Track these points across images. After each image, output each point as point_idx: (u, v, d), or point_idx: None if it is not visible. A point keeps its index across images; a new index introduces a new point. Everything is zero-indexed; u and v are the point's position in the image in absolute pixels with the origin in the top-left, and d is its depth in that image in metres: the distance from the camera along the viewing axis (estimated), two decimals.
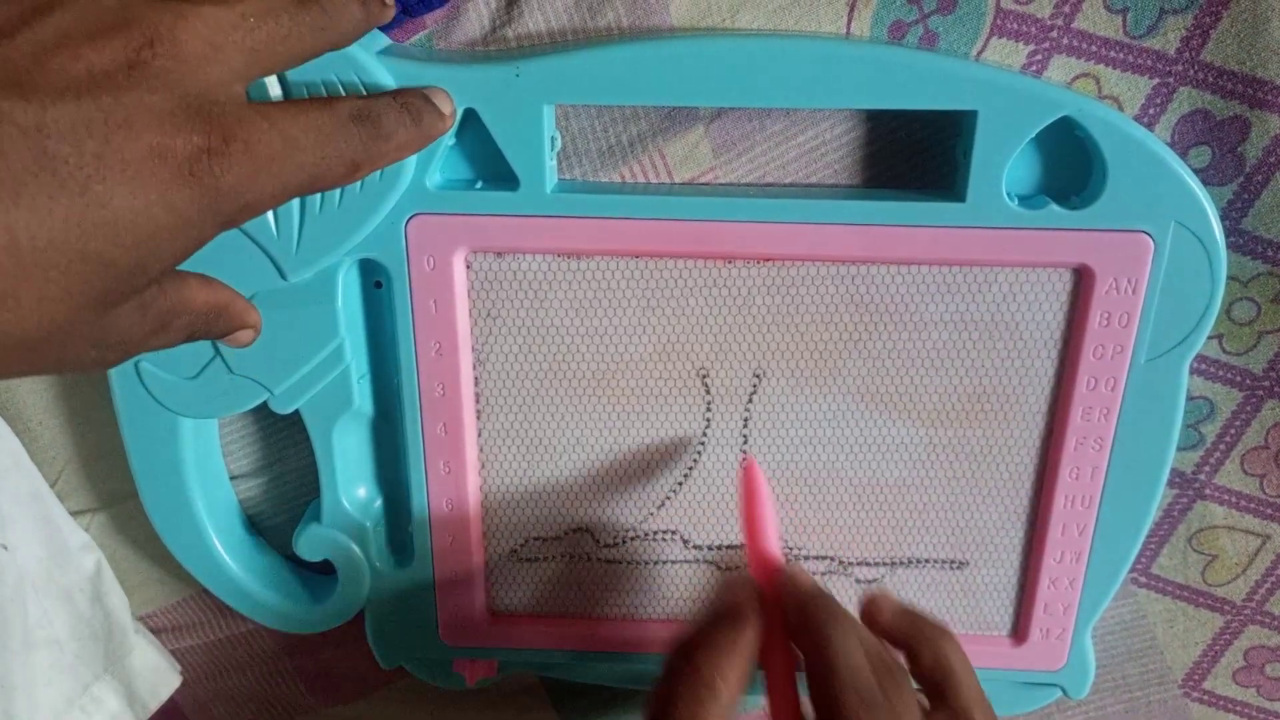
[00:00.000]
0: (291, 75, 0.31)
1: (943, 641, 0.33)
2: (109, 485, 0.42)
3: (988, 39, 0.33)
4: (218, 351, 0.36)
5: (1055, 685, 0.42)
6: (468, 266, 0.36)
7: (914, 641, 0.33)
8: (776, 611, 0.32)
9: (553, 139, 0.34)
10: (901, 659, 0.32)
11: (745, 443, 0.38)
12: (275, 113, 0.26)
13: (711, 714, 0.29)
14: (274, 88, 0.31)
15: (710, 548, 0.40)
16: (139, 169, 0.23)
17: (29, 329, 0.22)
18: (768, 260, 0.35)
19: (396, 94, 0.31)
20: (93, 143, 0.22)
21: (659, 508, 0.40)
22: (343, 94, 0.31)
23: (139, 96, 0.23)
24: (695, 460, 0.39)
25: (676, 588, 0.41)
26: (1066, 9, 0.32)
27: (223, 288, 0.31)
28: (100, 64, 0.23)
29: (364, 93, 0.31)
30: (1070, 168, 0.34)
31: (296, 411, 0.37)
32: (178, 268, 0.26)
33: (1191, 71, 0.33)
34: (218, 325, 0.31)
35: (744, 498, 0.35)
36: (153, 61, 0.23)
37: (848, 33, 0.33)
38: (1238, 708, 0.44)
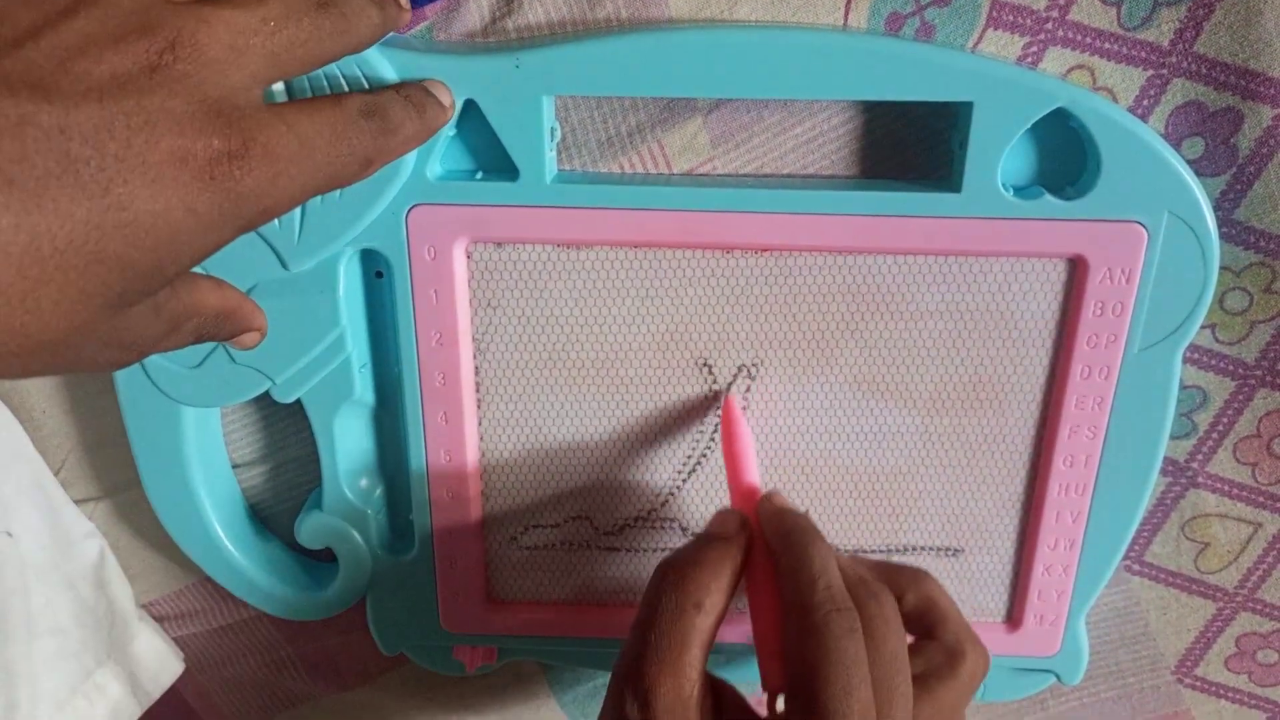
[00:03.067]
0: None
1: (924, 580, 0.34)
2: (112, 474, 0.42)
3: (984, 31, 0.33)
4: None
5: (1049, 671, 0.42)
6: (468, 256, 0.36)
7: (896, 585, 0.34)
8: (759, 535, 0.34)
9: (552, 130, 0.34)
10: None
11: None
12: (291, 114, 0.26)
13: (698, 629, 0.31)
14: (278, 82, 0.31)
15: None
16: (160, 172, 0.23)
17: (47, 330, 0.23)
18: (765, 250, 0.36)
19: (398, 87, 0.31)
20: (114, 145, 0.22)
21: (657, 494, 0.40)
22: (345, 85, 0.31)
23: (160, 100, 0.23)
24: (693, 448, 0.39)
25: None
26: (1062, 1, 0.33)
27: (232, 290, 0.31)
28: (122, 67, 0.23)
29: (365, 84, 0.31)
30: (1065, 159, 0.34)
31: (298, 400, 0.37)
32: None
33: (1185, 63, 0.33)
34: (226, 327, 0.31)
35: (724, 435, 0.37)
36: (174, 65, 0.23)
37: (845, 24, 0.34)
38: (1230, 694, 0.45)
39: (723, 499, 0.40)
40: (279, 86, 0.31)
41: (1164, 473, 0.40)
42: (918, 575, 0.34)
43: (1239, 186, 0.35)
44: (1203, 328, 0.37)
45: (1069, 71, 0.34)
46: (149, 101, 0.23)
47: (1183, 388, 0.38)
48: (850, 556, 0.35)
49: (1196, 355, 0.38)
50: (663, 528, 0.40)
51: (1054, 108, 0.32)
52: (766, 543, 0.33)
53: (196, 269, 0.27)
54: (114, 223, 0.22)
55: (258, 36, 0.25)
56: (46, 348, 0.23)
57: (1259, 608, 0.42)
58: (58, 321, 0.23)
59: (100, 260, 0.22)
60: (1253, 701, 0.45)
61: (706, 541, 0.33)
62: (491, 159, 0.35)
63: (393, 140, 0.29)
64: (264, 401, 0.39)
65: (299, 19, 0.26)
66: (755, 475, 0.36)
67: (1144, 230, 0.34)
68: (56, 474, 0.42)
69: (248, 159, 0.24)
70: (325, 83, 0.31)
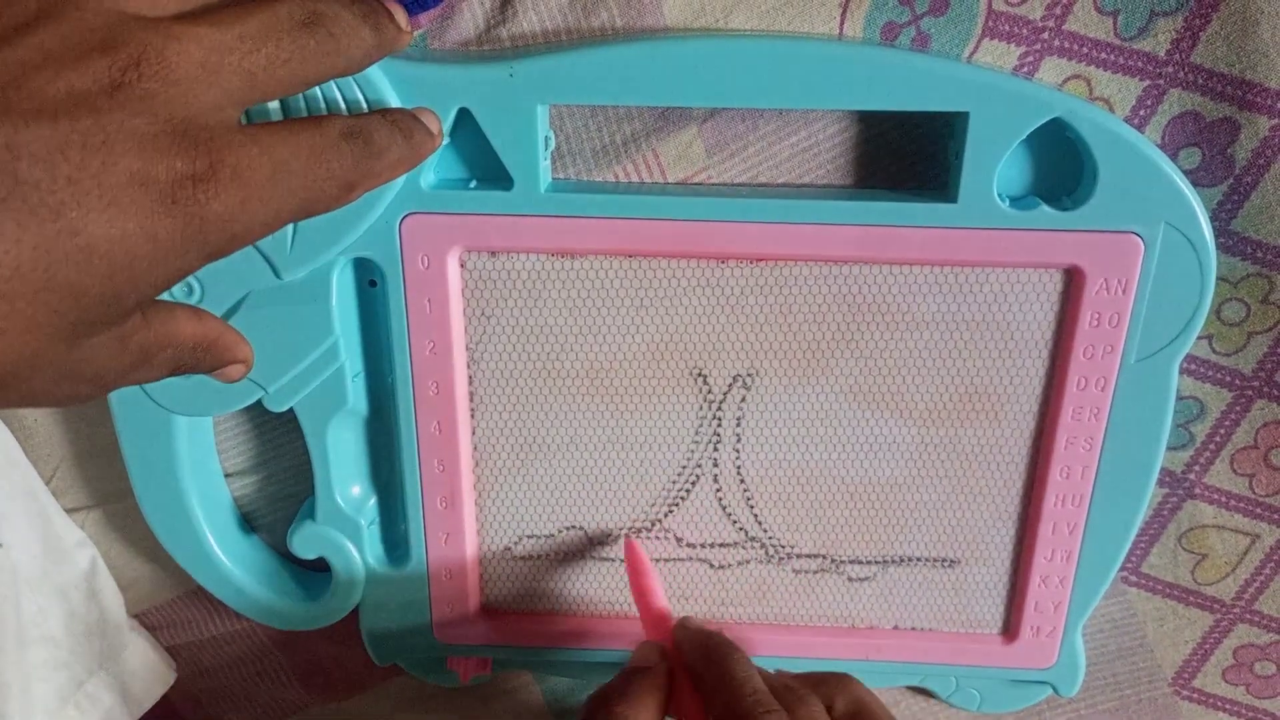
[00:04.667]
0: None
1: (850, 684, 0.35)
2: (104, 483, 0.42)
3: (979, 40, 0.33)
4: None
5: (1046, 683, 0.42)
6: (462, 266, 0.36)
7: (824, 692, 0.34)
8: (679, 661, 0.35)
9: (547, 139, 0.34)
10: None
11: (738, 441, 0.38)
12: (266, 136, 0.25)
13: None
14: (263, 103, 0.30)
15: (703, 545, 0.40)
16: (116, 195, 0.22)
17: None
18: (760, 260, 0.35)
19: (385, 112, 0.30)
20: (67, 167, 0.21)
21: (652, 505, 0.40)
22: (341, 102, 0.31)
23: (121, 119, 0.22)
24: (688, 459, 0.39)
25: (669, 585, 0.41)
26: (1058, 11, 0.33)
27: (213, 321, 0.30)
28: (81, 85, 0.22)
29: (362, 97, 0.31)
30: (1061, 169, 0.34)
31: (291, 409, 0.37)
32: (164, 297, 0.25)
33: (1181, 73, 0.33)
34: (206, 360, 0.30)
35: (629, 569, 0.39)
36: (138, 83, 0.22)
37: (840, 34, 0.33)
38: (1227, 705, 0.45)
39: (710, 503, 0.40)
40: (274, 105, 0.30)
41: (1161, 484, 0.40)
42: (843, 680, 0.35)
43: (1236, 197, 0.35)
44: (1200, 338, 0.37)
45: (1065, 81, 0.34)
46: (108, 121, 0.22)
47: (1180, 398, 0.38)
48: (774, 671, 0.36)
49: (1194, 366, 0.38)
50: (657, 538, 0.40)
51: (1050, 118, 0.32)
52: (687, 665, 0.35)
53: (175, 295, 0.26)
54: (65, 249, 0.21)
55: (233, 55, 0.24)
56: None
57: (1256, 619, 0.42)
58: (3, 353, 0.21)
59: (50, 288, 0.21)
60: (1250, 714, 0.45)
61: (631, 674, 0.34)
62: (485, 168, 0.35)
63: (377, 165, 0.28)
64: (256, 410, 0.39)
65: (279, 38, 0.25)
66: (664, 601, 0.38)
67: (1140, 241, 0.33)
68: (48, 483, 0.41)
69: (214, 182, 0.23)
70: (323, 103, 0.31)
